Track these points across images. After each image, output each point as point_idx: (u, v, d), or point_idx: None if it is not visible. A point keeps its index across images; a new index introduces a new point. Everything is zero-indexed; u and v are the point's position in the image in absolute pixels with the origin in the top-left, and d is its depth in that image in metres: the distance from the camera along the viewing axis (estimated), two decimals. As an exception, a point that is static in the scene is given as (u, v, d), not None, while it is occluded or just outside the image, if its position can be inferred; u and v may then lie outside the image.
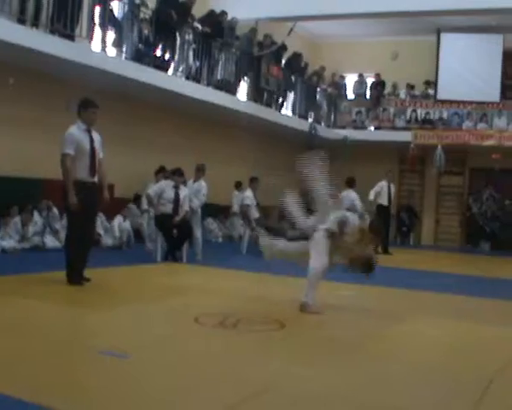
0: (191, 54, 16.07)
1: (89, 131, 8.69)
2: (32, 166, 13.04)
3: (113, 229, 14.28)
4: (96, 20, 13.41)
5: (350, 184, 16.43)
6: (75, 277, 8.41)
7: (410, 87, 23.44)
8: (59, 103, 13.35)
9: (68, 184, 8.35)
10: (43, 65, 12.53)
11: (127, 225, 14.69)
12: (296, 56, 21.20)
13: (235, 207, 17.78)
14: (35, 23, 11.77)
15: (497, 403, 4.86)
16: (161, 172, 14.25)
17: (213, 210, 17.72)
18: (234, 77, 17.69)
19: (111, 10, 13.86)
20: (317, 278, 7.67)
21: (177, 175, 12.58)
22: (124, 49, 14.13)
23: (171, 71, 15.44)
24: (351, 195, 15.81)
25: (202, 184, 13.60)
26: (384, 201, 17.67)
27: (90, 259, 8.52)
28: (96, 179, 8.68)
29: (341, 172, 23.63)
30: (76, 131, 8.62)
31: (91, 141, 8.63)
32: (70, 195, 8.33)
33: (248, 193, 15.66)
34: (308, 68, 22.25)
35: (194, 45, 16.03)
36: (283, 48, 19.79)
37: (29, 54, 11.54)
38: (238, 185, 18.17)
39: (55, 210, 12.96)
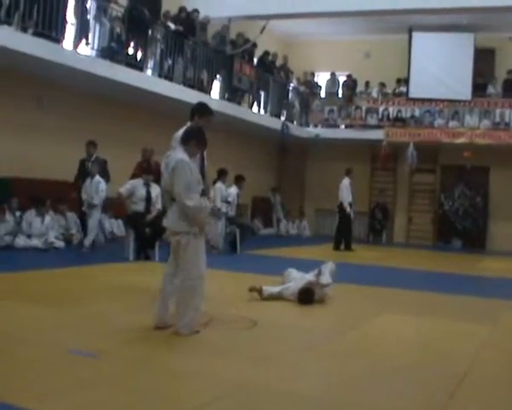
0: (163, 52, 15.99)
1: None
2: (1, 165, 12.80)
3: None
4: (69, 18, 13.31)
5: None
6: None
7: (382, 85, 23.55)
8: (29, 102, 13.23)
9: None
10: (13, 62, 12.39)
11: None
12: (268, 55, 21.26)
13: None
14: (7, 21, 11.61)
15: (472, 395, 4.93)
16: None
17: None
18: (206, 75, 17.66)
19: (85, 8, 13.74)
20: None
21: (146, 173, 12.50)
22: (95, 47, 14.02)
23: (143, 69, 15.36)
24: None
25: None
26: (350, 198, 17.84)
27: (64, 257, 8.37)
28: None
29: (312, 170, 24.05)
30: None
31: (202, 159, 7.06)
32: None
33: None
34: (276, 64, 22.27)
35: (163, 45, 15.92)
36: (254, 46, 19.86)
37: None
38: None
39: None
